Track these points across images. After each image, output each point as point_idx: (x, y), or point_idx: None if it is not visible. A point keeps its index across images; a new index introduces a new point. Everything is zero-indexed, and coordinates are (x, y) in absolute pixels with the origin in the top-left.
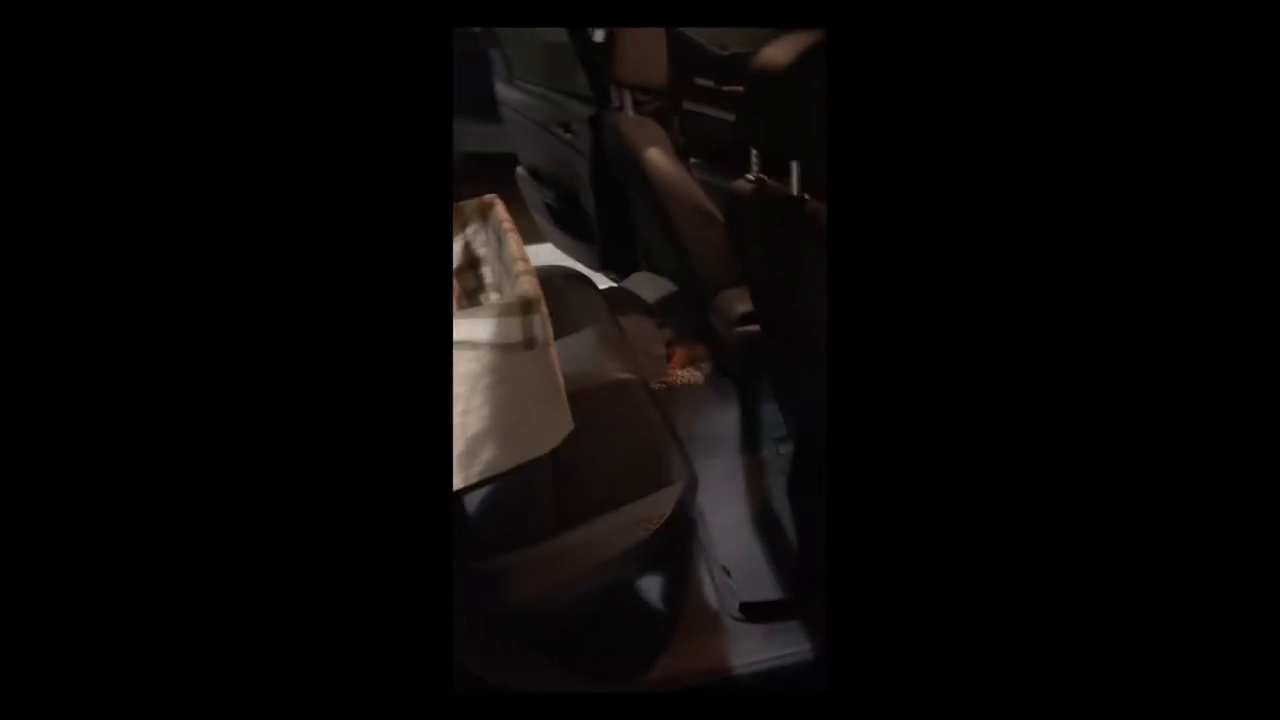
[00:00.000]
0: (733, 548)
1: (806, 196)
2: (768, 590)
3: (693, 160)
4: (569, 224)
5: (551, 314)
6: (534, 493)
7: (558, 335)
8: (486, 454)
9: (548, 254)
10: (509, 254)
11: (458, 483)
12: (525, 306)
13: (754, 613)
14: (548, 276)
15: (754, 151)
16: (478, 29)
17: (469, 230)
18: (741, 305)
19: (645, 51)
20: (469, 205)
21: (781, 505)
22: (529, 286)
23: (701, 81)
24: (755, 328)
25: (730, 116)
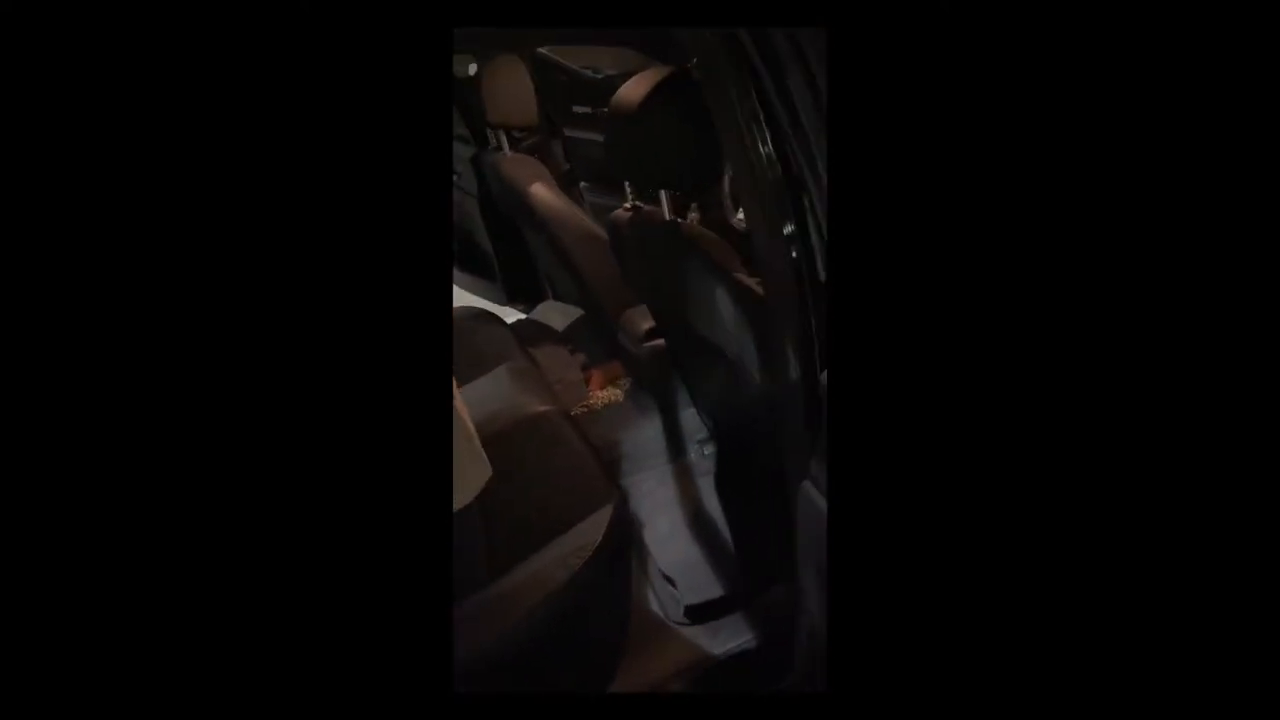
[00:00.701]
0: (672, 552)
1: (679, 220)
2: (710, 590)
3: (583, 184)
4: (470, 264)
5: (463, 357)
6: (464, 543)
7: (471, 377)
8: None
9: (456, 296)
10: None
11: None
12: None
13: (698, 614)
14: (455, 319)
15: (626, 182)
16: None
17: None
18: (645, 322)
19: (510, 92)
20: None
21: (713, 504)
22: None
23: (579, 109)
24: (661, 341)
25: None
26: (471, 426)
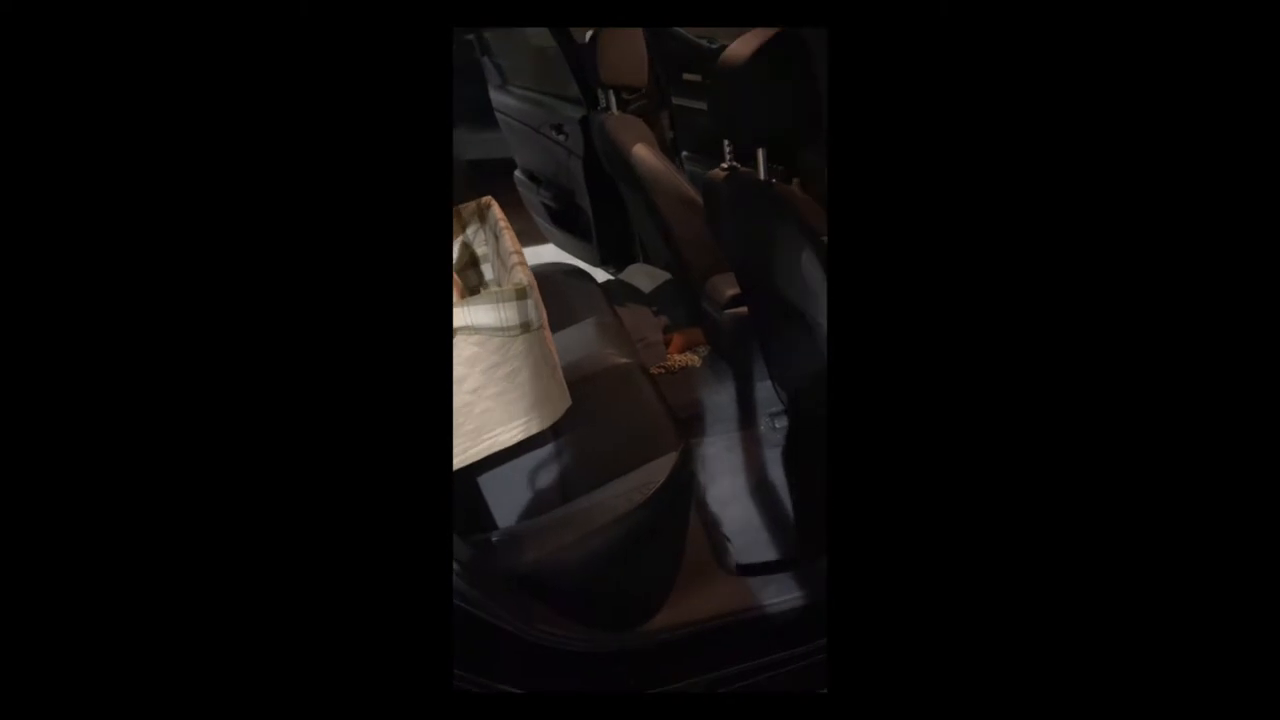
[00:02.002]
0: (732, 514)
1: (773, 181)
2: (764, 553)
3: (684, 154)
4: (567, 222)
5: (554, 308)
6: (539, 466)
7: (561, 327)
8: (492, 431)
9: (549, 253)
10: (504, 248)
11: (469, 459)
12: (520, 293)
13: (749, 572)
14: (549, 273)
15: (725, 142)
16: (470, 36)
17: (469, 231)
18: (729, 289)
19: (625, 53)
20: (467, 208)
21: (778, 475)
22: (522, 275)
23: (689, 77)
24: (743, 309)
25: None
26: (556, 357)
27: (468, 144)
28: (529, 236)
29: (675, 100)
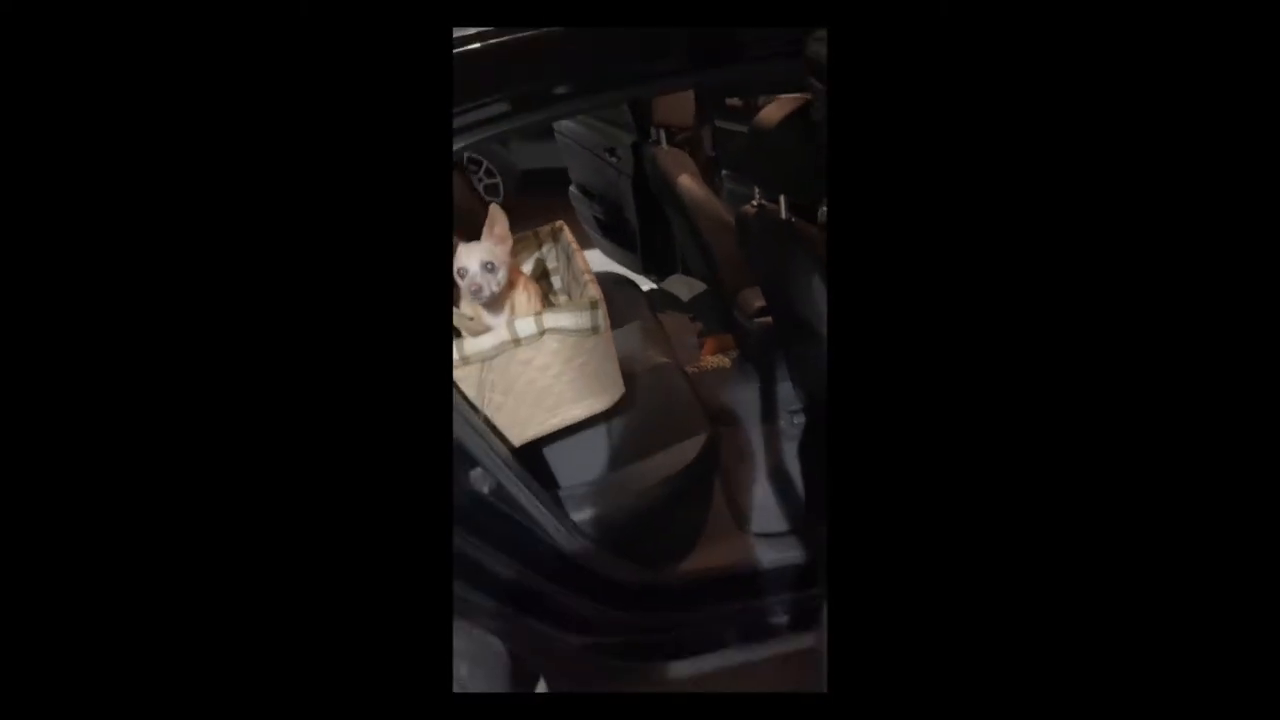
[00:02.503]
0: (752, 491)
1: (794, 220)
2: (777, 526)
3: (725, 172)
4: (615, 234)
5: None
6: (596, 439)
7: (614, 325)
8: (565, 409)
9: (597, 259)
10: (577, 267)
11: (546, 429)
12: (593, 304)
13: (763, 536)
14: (601, 280)
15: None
16: None
17: (543, 249)
18: (757, 301)
19: (676, 100)
20: (543, 230)
21: (793, 463)
22: (595, 291)
23: (731, 101)
24: (769, 319)
25: None
26: (616, 357)
27: (524, 155)
28: (579, 242)
29: (718, 123)
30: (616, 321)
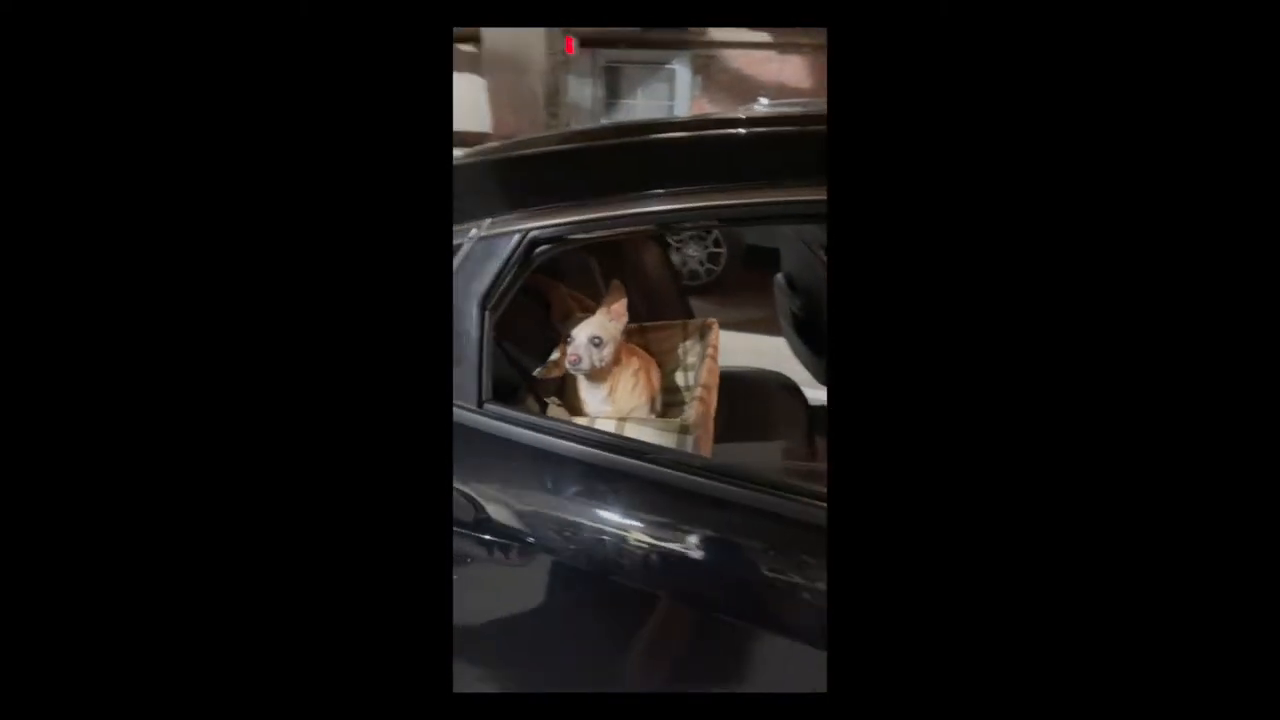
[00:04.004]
0: None
1: None
2: None
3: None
4: (807, 335)
5: (755, 413)
6: None
7: (754, 436)
8: None
9: (775, 348)
10: (699, 376)
11: None
12: (683, 428)
13: None
14: (764, 380)
15: None
16: None
17: (687, 343)
18: None
19: None
20: (693, 324)
21: None
22: (694, 413)
23: None
24: None
25: None
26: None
27: (753, 231)
28: (768, 325)
29: None
30: (764, 431)
